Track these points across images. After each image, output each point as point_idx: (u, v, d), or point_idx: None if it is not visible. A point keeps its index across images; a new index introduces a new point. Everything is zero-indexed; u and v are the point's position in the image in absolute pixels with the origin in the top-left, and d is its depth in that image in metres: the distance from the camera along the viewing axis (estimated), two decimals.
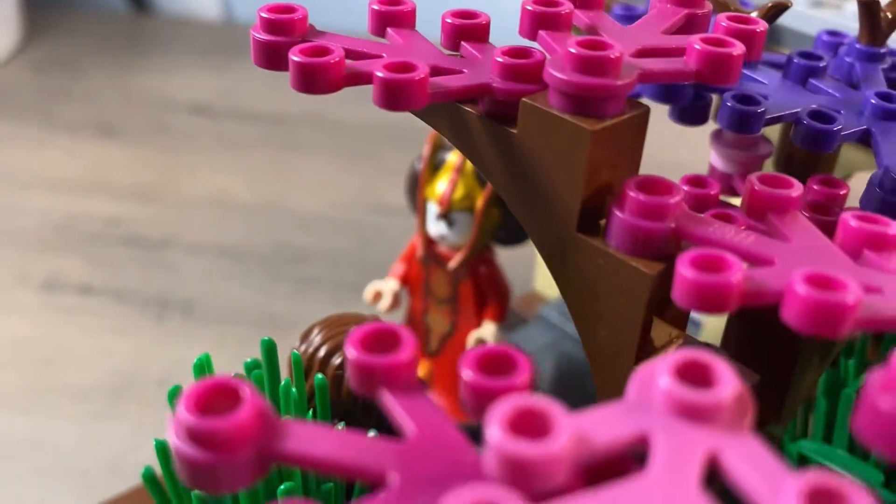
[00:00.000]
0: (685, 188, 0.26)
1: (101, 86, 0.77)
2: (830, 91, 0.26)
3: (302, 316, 0.49)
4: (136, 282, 0.51)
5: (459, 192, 0.36)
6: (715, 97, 0.27)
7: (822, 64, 0.27)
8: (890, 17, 0.27)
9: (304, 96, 0.69)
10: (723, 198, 0.26)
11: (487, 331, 0.38)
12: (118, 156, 0.66)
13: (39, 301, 0.49)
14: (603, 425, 0.13)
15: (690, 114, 0.26)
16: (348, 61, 0.20)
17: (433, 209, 0.36)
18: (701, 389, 0.13)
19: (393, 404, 0.14)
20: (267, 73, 0.76)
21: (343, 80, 0.19)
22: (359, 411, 0.27)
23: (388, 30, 0.22)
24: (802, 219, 0.19)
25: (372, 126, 0.72)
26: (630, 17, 0.28)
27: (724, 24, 0.20)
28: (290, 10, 0.21)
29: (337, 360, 0.27)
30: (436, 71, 0.20)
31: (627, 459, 0.13)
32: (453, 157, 0.36)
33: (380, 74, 0.18)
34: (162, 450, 0.24)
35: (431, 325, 0.40)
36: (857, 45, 0.28)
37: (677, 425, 0.13)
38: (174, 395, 0.24)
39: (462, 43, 0.22)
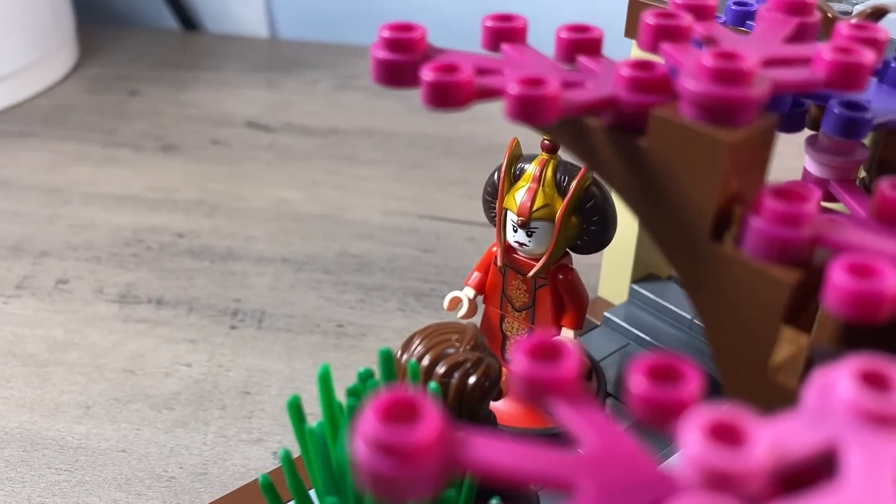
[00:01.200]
0: None
1: (156, 102, 0.79)
2: None
3: (370, 324, 0.49)
4: (206, 293, 0.52)
5: (539, 202, 0.36)
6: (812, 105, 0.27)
7: None
8: None
9: (356, 111, 0.71)
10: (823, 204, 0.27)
11: (566, 337, 0.38)
12: (179, 170, 0.67)
13: (116, 313, 0.50)
14: (791, 435, 0.13)
15: (789, 121, 0.27)
16: (477, 77, 0.20)
17: (512, 219, 0.37)
18: (884, 395, 0.13)
19: (567, 414, 0.15)
20: (317, 88, 0.78)
21: (473, 96, 0.20)
22: (464, 418, 0.27)
23: (503, 45, 0.23)
24: None
25: (424, 137, 0.73)
26: (745, 12, 0.28)
27: (845, 31, 0.21)
28: (409, 28, 0.22)
29: (441, 369, 0.27)
30: (562, 85, 0.20)
31: (814, 469, 0.14)
32: (532, 167, 0.37)
33: (513, 90, 0.19)
34: (287, 459, 0.24)
35: (508, 332, 0.40)
36: None
37: (865, 433, 0.13)
38: (294, 405, 0.24)
39: (578, 57, 0.22)
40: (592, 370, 0.42)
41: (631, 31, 0.41)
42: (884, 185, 0.20)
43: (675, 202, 0.20)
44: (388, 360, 0.24)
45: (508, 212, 0.37)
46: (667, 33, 0.21)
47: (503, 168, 0.37)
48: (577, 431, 0.15)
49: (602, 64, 0.22)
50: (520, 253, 0.38)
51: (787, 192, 0.19)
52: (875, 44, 0.20)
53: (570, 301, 0.38)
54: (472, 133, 0.74)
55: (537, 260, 0.37)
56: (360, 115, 0.77)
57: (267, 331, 0.49)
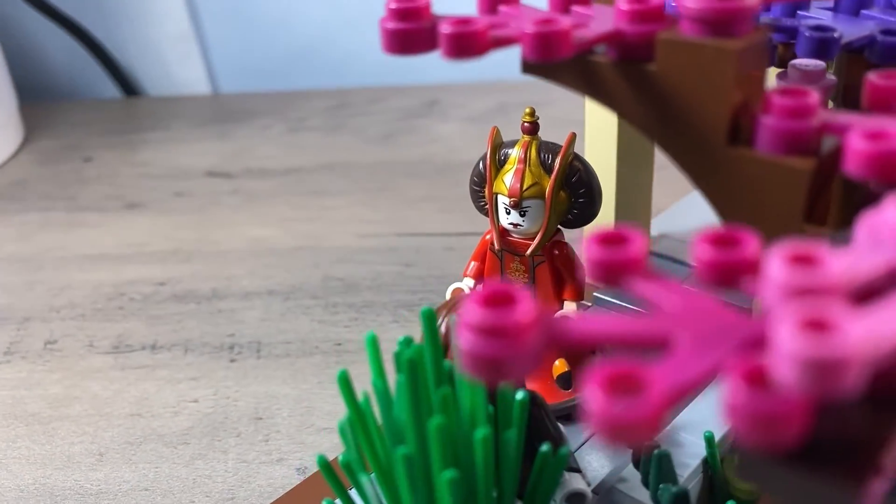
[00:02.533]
0: None
1: (112, 165, 0.79)
2: (885, 17, 0.28)
3: None
4: (198, 333, 0.52)
5: (528, 181, 0.37)
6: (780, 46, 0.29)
7: None
8: None
9: (312, 149, 0.72)
10: None
11: (570, 310, 0.39)
12: (147, 225, 0.67)
13: (112, 364, 0.50)
14: (856, 261, 0.15)
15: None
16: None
17: (504, 201, 0.38)
18: None
19: (644, 288, 0.16)
20: (269, 133, 0.80)
21: (490, 44, 0.21)
22: None
23: (500, 7, 0.24)
24: None
25: (384, 164, 0.74)
26: None
27: None
28: None
29: None
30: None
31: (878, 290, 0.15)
32: (516, 150, 0.38)
33: (529, 30, 0.20)
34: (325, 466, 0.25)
35: None
36: None
37: None
38: (344, 378, 0.25)
39: (572, 7, 0.24)
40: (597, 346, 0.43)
41: None
42: (871, 76, 0.22)
43: (689, 117, 0.21)
44: (430, 320, 0.25)
45: (499, 196, 0.38)
46: None
47: (488, 156, 0.39)
48: (659, 298, 0.16)
49: (595, 9, 0.23)
50: (514, 234, 0.39)
51: (790, 91, 0.20)
52: None
53: (569, 274, 0.40)
54: (429, 155, 0.75)
55: (532, 239, 0.39)
56: (317, 153, 0.78)
57: (266, 359, 0.49)
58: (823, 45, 0.26)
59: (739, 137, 0.21)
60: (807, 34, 0.26)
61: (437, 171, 0.72)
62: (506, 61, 0.92)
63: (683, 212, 0.54)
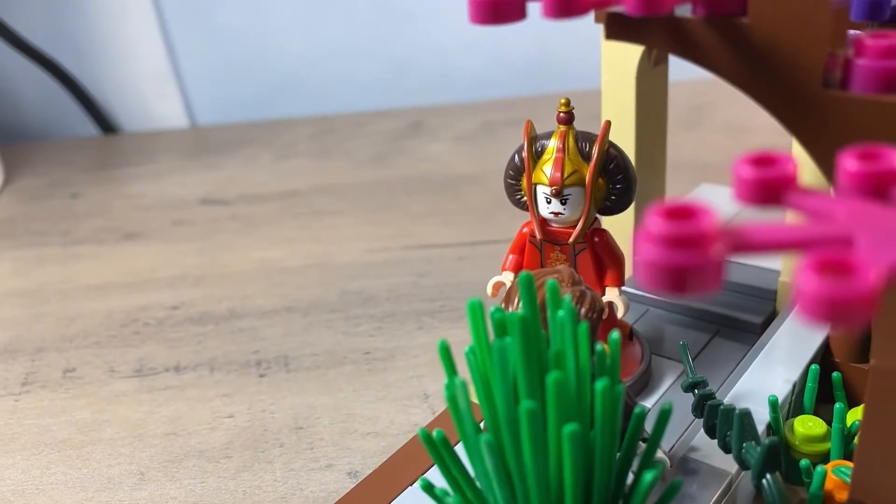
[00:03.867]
0: None
1: (102, 200, 0.78)
2: None
3: (396, 346, 0.50)
4: (221, 352, 0.52)
5: (568, 170, 0.38)
6: None
7: None
8: None
9: (304, 174, 0.73)
10: None
11: (613, 295, 0.40)
12: (150, 253, 0.66)
13: (137, 387, 0.49)
14: None
15: None
16: None
17: (545, 191, 0.39)
18: None
19: (806, 202, 0.17)
20: (258, 161, 0.80)
21: (593, 4, 0.22)
22: None
23: None
24: None
25: (380, 183, 0.75)
26: None
27: None
28: None
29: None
30: None
31: None
32: (553, 141, 0.39)
33: None
34: (462, 390, 0.25)
35: None
36: None
37: None
38: (444, 348, 0.25)
39: None
40: (632, 332, 0.44)
41: None
42: None
43: (783, 66, 0.22)
44: (528, 282, 0.25)
45: (539, 186, 0.39)
46: None
47: (525, 148, 0.39)
48: (824, 209, 0.17)
49: None
50: (554, 224, 0.40)
51: (880, 35, 0.22)
52: None
53: (610, 260, 0.40)
54: (424, 172, 0.76)
55: (572, 227, 0.39)
56: (309, 177, 0.78)
57: (296, 372, 0.49)
58: (876, 5, 0.27)
59: (831, 82, 0.22)
60: None
61: (434, 188, 0.73)
62: (488, 81, 0.94)
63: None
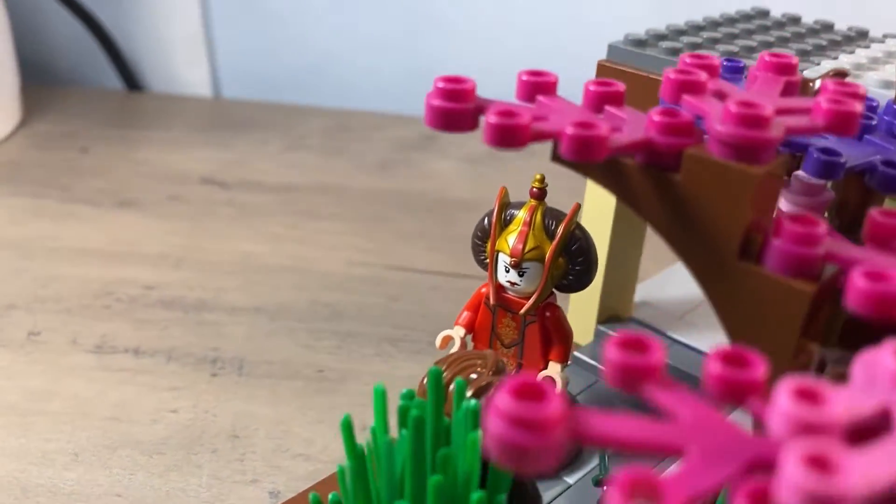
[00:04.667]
0: None
1: (108, 159, 0.79)
2: (886, 145, 0.31)
3: (350, 368, 0.51)
4: (182, 343, 0.53)
5: (530, 244, 0.39)
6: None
7: (874, 122, 0.31)
8: None
9: (308, 169, 0.74)
10: None
11: (553, 370, 0.41)
12: (140, 225, 0.67)
13: (94, 363, 0.50)
14: (852, 400, 0.16)
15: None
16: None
17: (505, 260, 0.40)
18: None
19: (660, 397, 0.18)
20: (267, 148, 0.81)
21: (531, 137, 0.23)
22: None
23: (538, 97, 0.26)
24: None
25: (379, 193, 0.75)
26: (736, 68, 0.33)
27: (831, 87, 0.25)
28: (461, 81, 0.25)
29: (469, 393, 0.29)
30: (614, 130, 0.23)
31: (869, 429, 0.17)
32: (522, 213, 0.40)
33: (569, 132, 0.22)
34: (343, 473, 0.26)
35: None
36: (895, 105, 0.33)
37: None
38: (347, 424, 0.26)
39: (605, 107, 0.25)
40: (573, 403, 0.44)
41: None
42: (874, 213, 0.23)
43: (706, 228, 0.23)
44: (437, 378, 0.26)
45: (500, 254, 0.40)
46: (688, 87, 0.24)
47: (494, 214, 0.40)
48: (672, 408, 0.17)
49: (627, 112, 0.25)
50: (510, 292, 0.41)
51: (800, 218, 0.22)
52: (858, 97, 0.24)
53: (557, 336, 0.41)
54: (423, 190, 0.77)
55: (526, 298, 0.40)
56: (314, 173, 0.79)
57: (249, 377, 0.50)
58: (829, 167, 0.28)
59: (750, 252, 0.23)
60: (815, 155, 0.28)
61: (429, 208, 0.74)
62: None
63: (667, 281, 0.56)
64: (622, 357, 0.18)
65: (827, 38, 0.48)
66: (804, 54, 0.45)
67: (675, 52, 0.43)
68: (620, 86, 0.26)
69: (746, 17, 0.51)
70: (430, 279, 0.62)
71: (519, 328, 0.41)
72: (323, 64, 0.97)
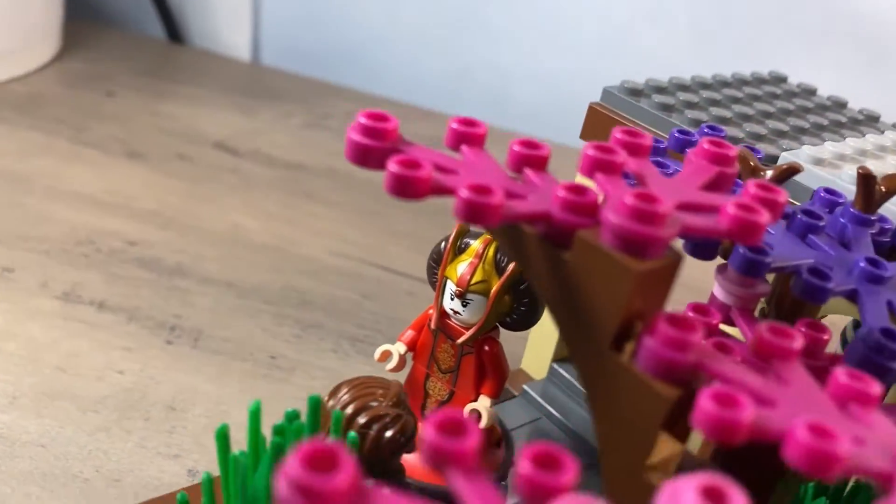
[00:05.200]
0: (690, 314, 0.30)
1: (131, 107, 0.80)
2: (826, 249, 0.30)
3: (303, 360, 0.52)
4: (147, 304, 0.54)
5: (478, 276, 0.39)
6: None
7: (821, 223, 0.31)
8: (884, 189, 0.32)
9: (322, 149, 0.74)
10: (722, 327, 0.30)
11: (482, 404, 0.41)
12: (142, 179, 0.68)
13: (58, 310, 0.51)
14: None
15: (702, 249, 0.30)
16: (435, 174, 0.23)
17: (451, 288, 0.40)
18: None
19: (459, 484, 0.17)
20: (289, 122, 0.81)
21: (430, 191, 0.23)
22: (377, 467, 0.30)
23: (463, 147, 0.26)
24: (800, 367, 0.22)
25: (380, 185, 0.75)
26: (686, 141, 0.32)
27: (752, 190, 0.24)
28: (384, 118, 0.25)
29: (362, 420, 0.30)
30: (506, 194, 0.23)
31: None
32: (476, 243, 0.40)
33: (463, 195, 0.22)
34: (209, 483, 0.26)
35: (431, 391, 0.43)
36: (851, 210, 0.32)
37: None
38: (223, 434, 0.27)
39: (525, 169, 0.25)
40: (503, 438, 0.44)
41: (585, 134, 0.45)
42: (762, 327, 0.23)
43: (586, 312, 0.23)
44: (315, 407, 0.26)
45: (448, 280, 0.40)
46: (602, 165, 0.24)
47: (451, 240, 0.40)
48: (466, 499, 0.17)
49: (545, 179, 0.25)
50: (453, 320, 0.41)
51: (679, 320, 0.22)
52: (774, 206, 0.24)
53: (492, 371, 0.41)
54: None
55: (468, 328, 0.40)
56: (326, 155, 0.79)
57: (202, 351, 0.51)
58: (753, 265, 0.27)
59: (626, 344, 0.23)
60: (741, 251, 0.27)
61: (429, 211, 0.73)
62: (538, 117, 0.93)
63: None
64: (438, 440, 0.18)
65: (832, 118, 0.47)
66: (800, 131, 0.44)
67: (668, 108, 0.43)
68: (546, 150, 0.26)
69: (759, 82, 0.50)
70: (406, 283, 0.62)
71: (457, 356, 0.41)
72: (363, 46, 0.97)
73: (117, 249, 0.59)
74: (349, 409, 0.30)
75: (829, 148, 0.39)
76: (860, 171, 0.31)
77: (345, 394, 0.31)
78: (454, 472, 0.18)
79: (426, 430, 0.18)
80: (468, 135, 0.26)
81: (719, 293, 0.31)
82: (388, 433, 0.30)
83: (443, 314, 0.41)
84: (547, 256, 0.23)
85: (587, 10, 0.89)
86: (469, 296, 0.39)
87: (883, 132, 0.46)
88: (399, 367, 0.42)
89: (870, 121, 0.48)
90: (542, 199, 0.24)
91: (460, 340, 0.40)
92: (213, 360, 0.50)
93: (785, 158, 0.38)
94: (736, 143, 0.39)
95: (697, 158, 0.26)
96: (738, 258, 0.27)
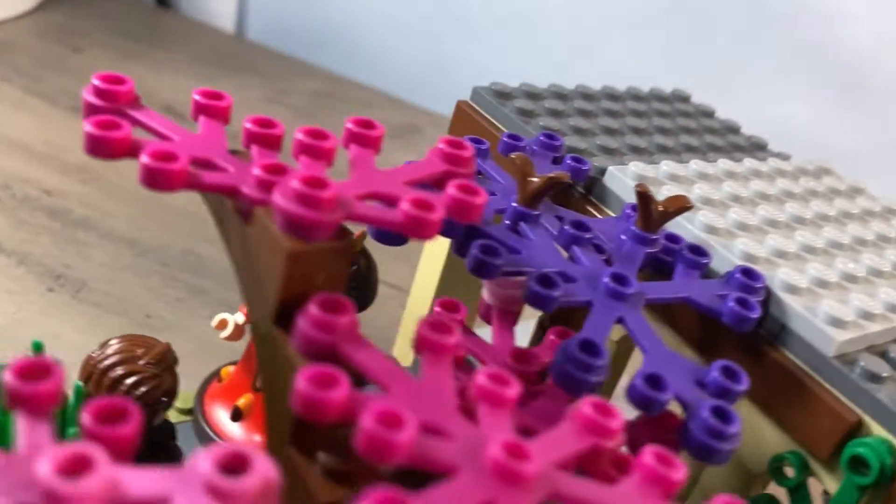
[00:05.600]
0: (437, 309, 0.31)
1: (93, 64, 0.82)
2: (583, 261, 0.30)
3: (177, 323, 0.53)
4: (42, 251, 0.55)
5: None
6: None
7: (587, 236, 0.31)
8: (661, 209, 0.32)
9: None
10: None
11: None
12: (79, 134, 0.70)
13: None
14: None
15: (386, 237, 0.31)
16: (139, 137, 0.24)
17: None
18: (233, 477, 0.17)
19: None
20: (248, 94, 0.81)
21: (126, 152, 0.24)
22: None
23: (201, 118, 0.27)
24: (448, 366, 0.23)
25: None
26: (515, 146, 0.33)
27: (450, 191, 0.25)
28: (120, 80, 0.26)
29: (118, 372, 0.31)
30: (206, 163, 0.24)
31: None
32: None
33: (143, 160, 0.23)
34: None
35: None
36: (633, 227, 0.32)
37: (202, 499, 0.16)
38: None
39: (254, 146, 0.26)
40: None
41: (453, 130, 0.45)
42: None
43: (259, 284, 0.24)
44: (78, 394, 0.28)
45: None
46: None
47: None
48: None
49: (266, 157, 0.26)
50: None
51: (333, 303, 0.22)
52: (470, 207, 0.24)
53: None
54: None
55: None
56: None
57: (80, 302, 0.52)
58: (483, 266, 0.28)
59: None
60: (473, 251, 0.28)
61: None
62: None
63: None
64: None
65: (708, 140, 0.46)
66: (661, 149, 0.44)
67: (527, 113, 0.43)
68: (280, 129, 0.26)
69: (654, 98, 0.50)
70: None
71: None
72: (343, 29, 0.98)
73: (31, 197, 0.61)
74: (110, 360, 0.31)
75: (663, 168, 0.39)
76: (637, 188, 0.31)
77: (113, 345, 0.32)
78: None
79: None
80: (208, 106, 0.27)
81: (485, 293, 0.32)
82: (143, 389, 0.31)
83: None
84: (236, 225, 0.24)
85: (562, 12, 0.89)
86: None
87: (765, 160, 0.45)
88: (235, 336, 0.43)
89: (754, 147, 0.48)
90: (244, 174, 0.24)
91: None
92: (88, 311, 0.52)
93: (612, 174, 0.38)
94: (579, 153, 0.39)
95: (431, 155, 0.27)
96: (470, 258, 0.28)
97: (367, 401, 0.20)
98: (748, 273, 0.32)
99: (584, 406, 0.22)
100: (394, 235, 0.30)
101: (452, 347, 0.23)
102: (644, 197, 0.31)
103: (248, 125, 0.26)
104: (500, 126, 0.43)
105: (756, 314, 0.30)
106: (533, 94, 0.45)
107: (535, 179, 0.31)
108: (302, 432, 0.23)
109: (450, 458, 0.19)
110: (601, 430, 0.22)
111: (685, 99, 0.52)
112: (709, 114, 0.51)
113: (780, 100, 0.84)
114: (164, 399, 0.32)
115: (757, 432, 0.33)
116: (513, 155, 0.32)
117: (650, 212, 0.32)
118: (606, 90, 0.49)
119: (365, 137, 0.27)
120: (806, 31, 0.80)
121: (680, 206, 0.32)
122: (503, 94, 0.44)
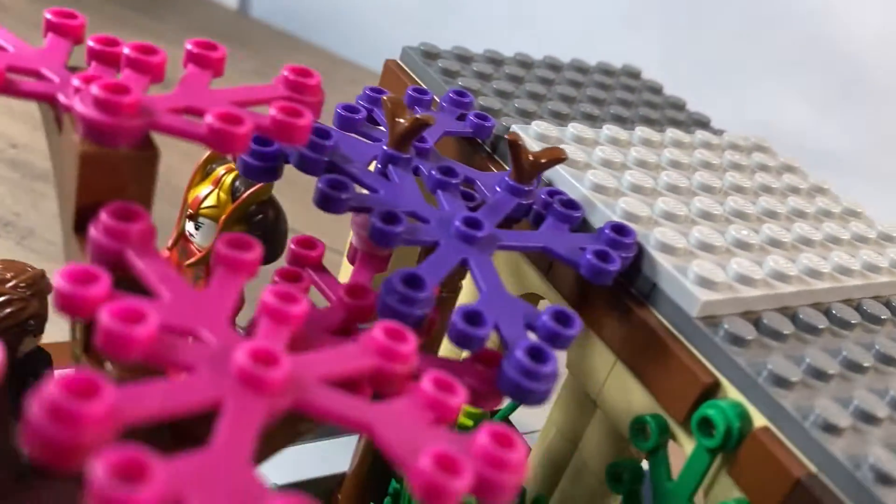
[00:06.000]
0: (293, 247, 0.30)
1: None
2: (445, 205, 0.30)
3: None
4: None
5: (211, 201, 0.40)
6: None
7: (454, 181, 0.31)
8: (532, 159, 0.31)
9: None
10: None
11: None
12: None
13: None
14: None
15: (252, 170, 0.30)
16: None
17: (187, 210, 0.41)
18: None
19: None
20: (239, 65, 0.80)
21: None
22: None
23: (49, 34, 0.27)
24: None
25: None
26: (420, 100, 0.33)
27: (272, 111, 0.24)
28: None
29: None
30: (32, 73, 0.24)
31: None
32: (220, 170, 0.40)
33: None
34: None
35: None
36: (507, 179, 0.32)
37: None
38: None
39: (92, 62, 0.26)
40: None
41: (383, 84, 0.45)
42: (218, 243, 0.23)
43: (66, 190, 0.24)
44: None
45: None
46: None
47: (198, 163, 0.41)
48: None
49: (102, 72, 0.26)
50: (192, 241, 0.42)
51: (126, 212, 0.22)
52: (290, 128, 0.24)
53: None
54: None
55: (201, 252, 0.41)
56: None
57: (23, 248, 0.53)
58: (329, 200, 0.27)
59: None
60: (320, 185, 0.27)
61: None
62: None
63: None
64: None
65: (643, 113, 0.45)
66: (587, 117, 0.43)
67: (452, 74, 0.42)
68: (120, 47, 0.27)
69: (600, 72, 0.50)
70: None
71: (193, 278, 0.42)
72: (344, 10, 0.98)
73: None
74: None
75: (570, 130, 0.38)
76: (508, 137, 0.31)
77: None
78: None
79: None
80: (59, 25, 0.27)
81: (353, 237, 0.31)
82: (6, 310, 0.31)
83: (185, 236, 0.42)
84: (54, 137, 0.24)
85: (559, 6, 0.88)
86: (200, 219, 0.40)
87: (693, 133, 0.44)
88: None
89: (694, 123, 0.47)
90: (65, 86, 0.24)
91: (188, 262, 0.41)
92: (29, 257, 0.52)
93: (514, 132, 0.37)
94: (493, 114, 0.39)
95: (276, 82, 0.27)
96: (316, 192, 0.28)
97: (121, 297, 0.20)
98: (619, 229, 0.31)
99: (376, 329, 0.22)
100: (260, 171, 0.29)
101: (248, 265, 0.23)
102: (515, 146, 0.31)
103: (91, 43, 0.26)
104: (423, 86, 0.43)
105: (614, 267, 0.29)
106: (464, 57, 0.45)
107: (402, 121, 0.31)
108: None
109: (190, 359, 0.19)
110: (388, 354, 0.22)
111: (635, 75, 0.51)
112: (656, 90, 0.50)
113: (776, 97, 0.82)
114: (31, 323, 0.32)
115: (627, 394, 0.32)
116: (384, 97, 0.32)
117: (521, 162, 0.31)
118: (547, 60, 0.49)
119: (204, 58, 0.27)
120: (806, 31, 0.79)
121: (553, 157, 0.31)
122: (431, 55, 0.44)
